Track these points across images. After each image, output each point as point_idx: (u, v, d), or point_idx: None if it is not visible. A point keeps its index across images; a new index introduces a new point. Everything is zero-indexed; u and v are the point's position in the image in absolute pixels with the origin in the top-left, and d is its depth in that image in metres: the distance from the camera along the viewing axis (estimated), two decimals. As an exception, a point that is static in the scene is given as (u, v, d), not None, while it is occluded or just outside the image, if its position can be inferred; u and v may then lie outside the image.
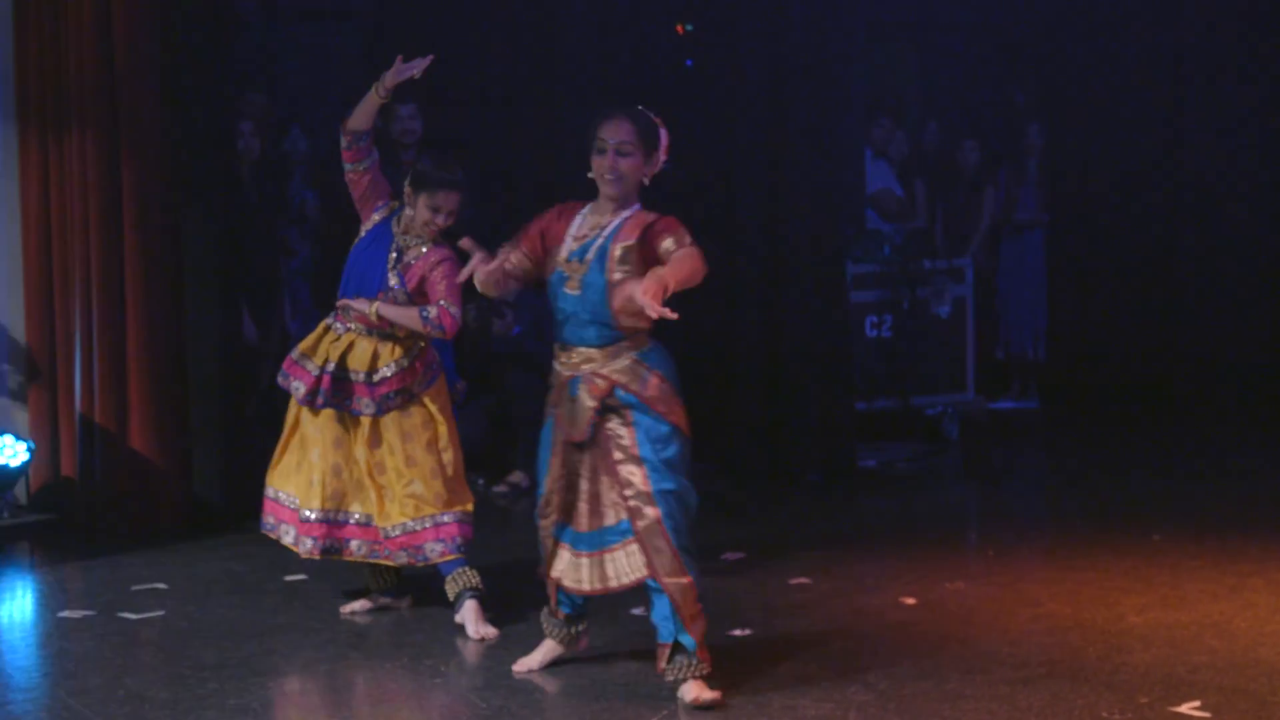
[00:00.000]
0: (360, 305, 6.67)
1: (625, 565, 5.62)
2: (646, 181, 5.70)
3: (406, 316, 6.62)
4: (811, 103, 9.75)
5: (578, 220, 5.74)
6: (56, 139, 8.63)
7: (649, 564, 5.53)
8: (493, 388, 9.84)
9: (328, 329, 6.84)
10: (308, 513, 6.68)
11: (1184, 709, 5.38)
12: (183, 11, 8.63)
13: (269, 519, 6.85)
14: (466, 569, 6.59)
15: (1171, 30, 11.84)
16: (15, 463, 8.52)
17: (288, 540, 6.75)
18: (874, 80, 12.20)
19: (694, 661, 5.57)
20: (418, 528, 6.61)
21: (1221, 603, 6.78)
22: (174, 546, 8.23)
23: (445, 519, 6.64)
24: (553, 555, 5.76)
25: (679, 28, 11.36)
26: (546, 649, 5.95)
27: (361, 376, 6.67)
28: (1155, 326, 12.14)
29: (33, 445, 8.65)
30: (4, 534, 8.37)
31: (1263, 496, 9.20)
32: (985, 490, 9.85)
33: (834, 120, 9.94)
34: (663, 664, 5.60)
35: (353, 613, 6.88)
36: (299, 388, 6.73)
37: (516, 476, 9.65)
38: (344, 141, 6.87)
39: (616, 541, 5.62)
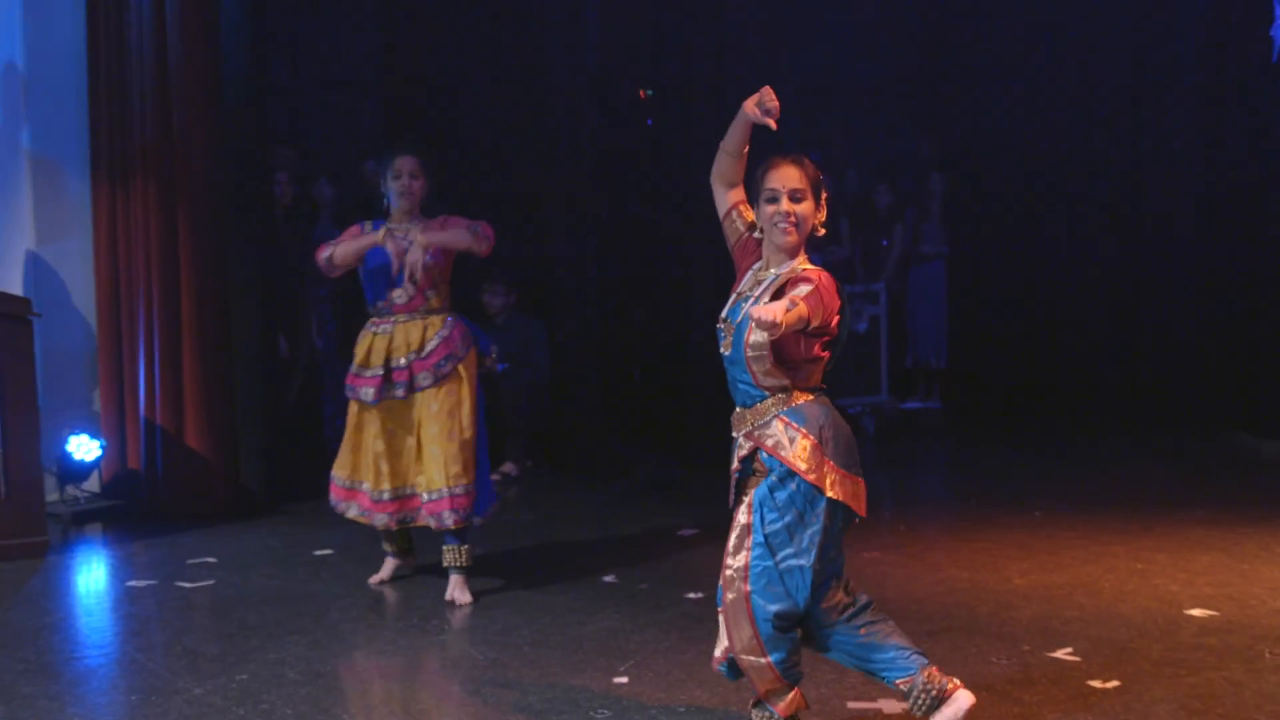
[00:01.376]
0: (414, 255, 6.31)
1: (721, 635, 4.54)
2: (821, 230, 4.54)
3: (455, 237, 6.34)
4: (753, 154, 9.80)
5: (748, 277, 4.57)
6: (123, 189, 8.62)
7: (729, 638, 4.46)
8: (486, 390, 9.87)
9: (374, 336, 6.52)
10: (382, 493, 6.50)
11: (1059, 654, 5.42)
12: (228, 81, 8.65)
13: (338, 502, 6.67)
14: (461, 545, 6.47)
15: (1049, 99, 11.97)
16: (90, 457, 8.53)
17: (353, 514, 6.62)
18: (806, 134, 12.31)
19: (773, 717, 4.50)
20: (440, 496, 6.38)
21: (1090, 566, 6.84)
22: (222, 526, 8.22)
23: (459, 490, 6.40)
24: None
25: (641, 93, 11.42)
26: None
27: (415, 355, 6.38)
28: (1037, 339, 12.26)
29: (104, 443, 8.65)
30: (81, 517, 8.36)
31: (1123, 479, 9.27)
32: (897, 476, 9.90)
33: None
34: (750, 708, 4.59)
35: (381, 582, 6.79)
36: (368, 392, 6.44)
37: (507, 467, 9.66)
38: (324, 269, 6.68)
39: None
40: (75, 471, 8.52)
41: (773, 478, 4.37)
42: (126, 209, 8.62)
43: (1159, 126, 11.27)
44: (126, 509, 8.57)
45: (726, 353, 4.49)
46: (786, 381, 4.39)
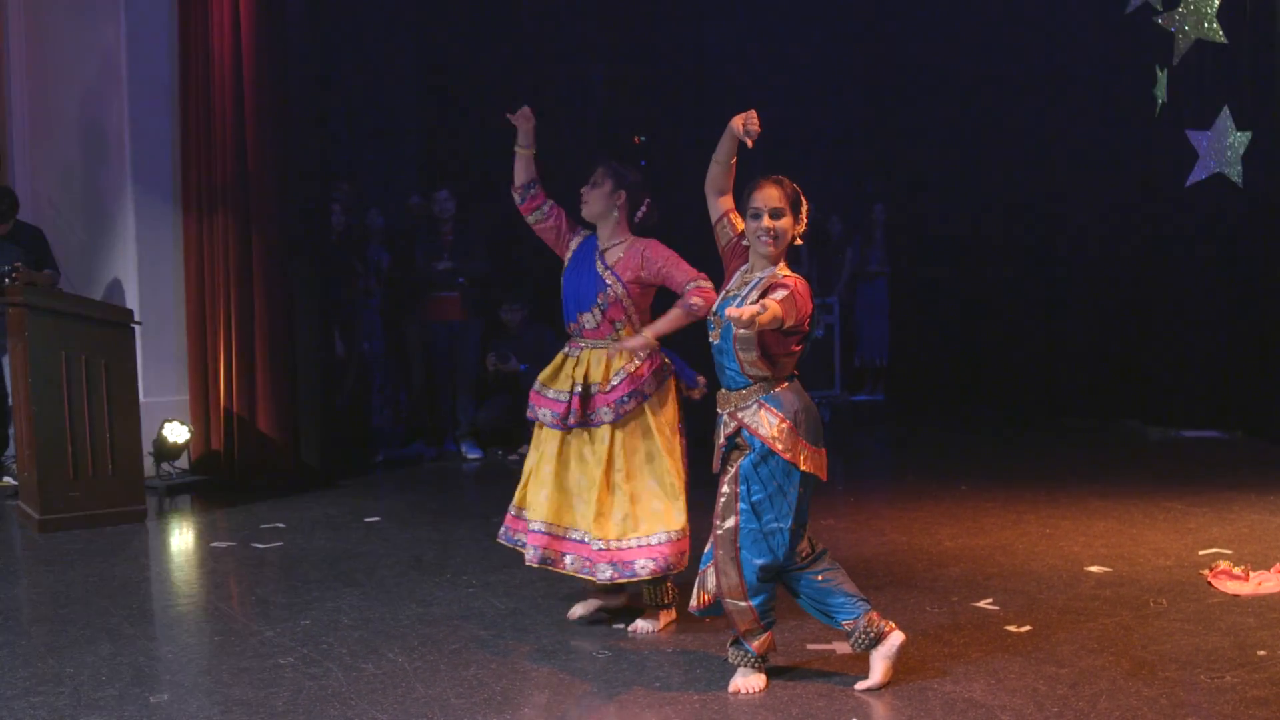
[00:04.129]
0: (634, 342, 4.99)
1: (710, 582, 4.46)
2: (799, 240, 4.49)
3: (673, 320, 5.01)
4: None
5: (736, 277, 4.51)
6: (208, 217, 8.64)
7: (718, 584, 4.40)
8: (509, 386, 9.86)
9: (565, 357, 5.17)
10: (536, 524, 5.08)
11: (981, 604, 5.41)
12: (294, 129, 8.64)
13: (518, 536, 5.20)
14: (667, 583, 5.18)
15: (972, 142, 11.96)
16: (181, 441, 8.52)
17: (530, 556, 5.10)
18: (771, 174, 12.28)
19: (747, 653, 4.41)
20: (629, 545, 4.98)
21: (1006, 532, 6.84)
22: (288, 497, 8.24)
23: (653, 540, 4.98)
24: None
25: (636, 139, 11.42)
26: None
27: (597, 388, 5.01)
28: (964, 342, 12.24)
29: (192, 428, 8.65)
30: (174, 489, 8.36)
31: (1034, 458, 9.28)
32: (848, 458, 9.91)
33: (739, 202, 9.99)
34: (729, 646, 4.49)
35: (580, 617, 5.29)
36: (545, 414, 5.07)
37: (525, 448, 9.60)
38: (516, 199, 5.44)
39: (707, 563, 4.49)
40: (168, 452, 8.51)
41: (755, 455, 4.32)
42: (210, 236, 8.64)
43: (1067, 162, 11.23)
44: (210, 483, 8.58)
45: (715, 342, 4.42)
46: (768, 373, 4.33)
